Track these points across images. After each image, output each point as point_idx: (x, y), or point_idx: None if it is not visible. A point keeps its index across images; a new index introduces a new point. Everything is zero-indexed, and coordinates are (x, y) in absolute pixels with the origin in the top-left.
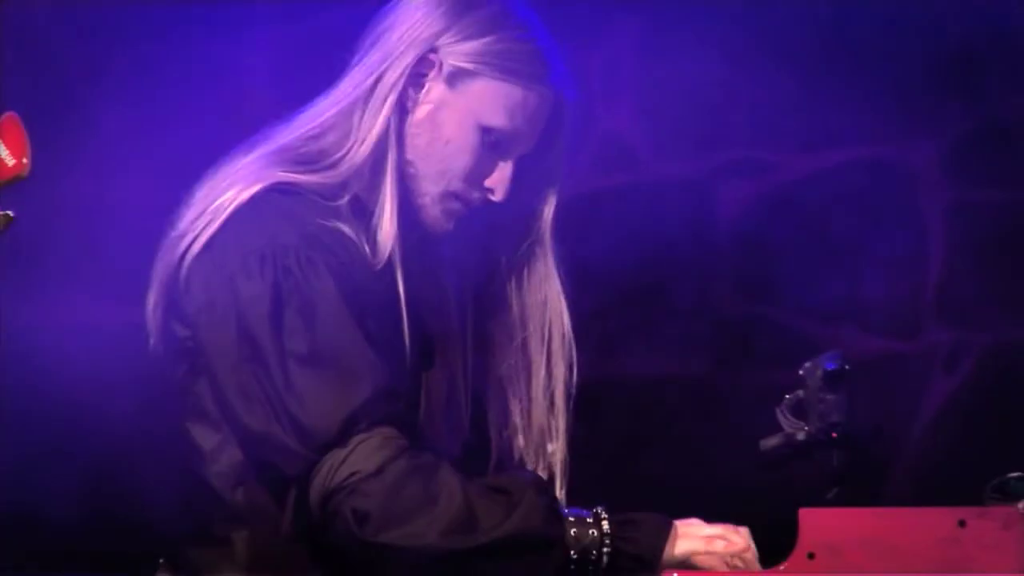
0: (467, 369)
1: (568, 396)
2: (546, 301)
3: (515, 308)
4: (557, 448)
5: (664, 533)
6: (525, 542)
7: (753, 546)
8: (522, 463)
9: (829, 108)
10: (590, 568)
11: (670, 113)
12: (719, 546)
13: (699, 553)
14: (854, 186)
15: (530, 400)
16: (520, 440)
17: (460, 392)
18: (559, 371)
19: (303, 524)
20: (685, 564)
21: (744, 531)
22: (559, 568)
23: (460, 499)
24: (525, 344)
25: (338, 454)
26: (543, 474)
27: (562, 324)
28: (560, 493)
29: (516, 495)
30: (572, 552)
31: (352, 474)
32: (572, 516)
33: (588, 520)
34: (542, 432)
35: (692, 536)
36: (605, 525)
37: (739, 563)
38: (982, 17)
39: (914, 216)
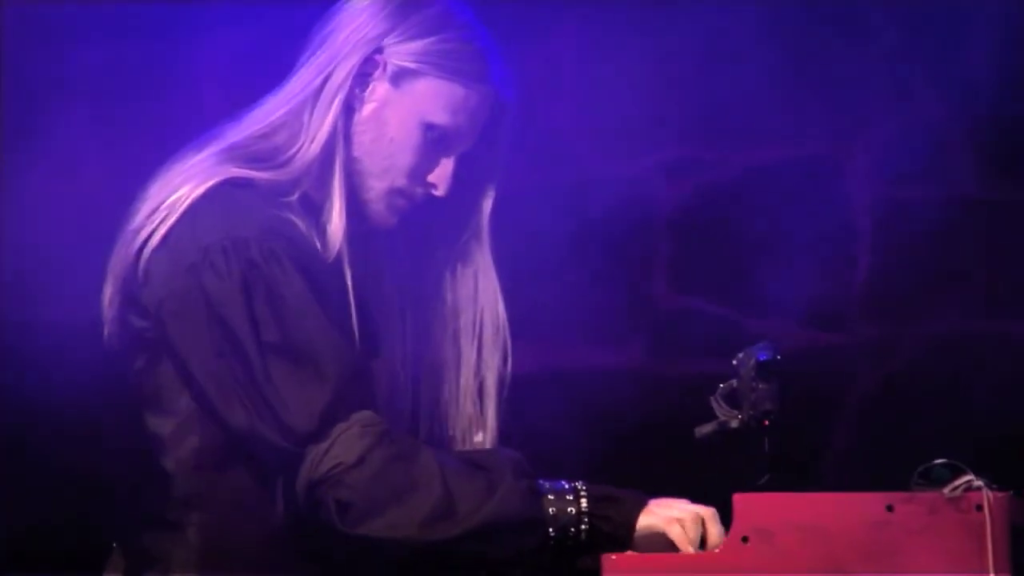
0: (406, 359)
1: (501, 385)
2: (478, 292)
3: (448, 299)
4: (486, 437)
5: (636, 512)
6: (504, 525)
7: (711, 531)
8: (450, 448)
9: (762, 108)
10: (569, 543)
11: (609, 112)
12: (675, 531)
13: (657, 530)
14: (786, 183)
15: (459, 388)
16: (448, 427)
17: (400, 382)
18: (491, 360)
19: (292, 513)
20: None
21: (708, 516)
22: (539, 545)
23: (439, 485)
24: (456, 334)
25: (320, 446)
26: None
27: (496, 314)
28: None
29: (495, 475)
30: (551, 530)
31: (335, 466)
32: (552, 493)
33: (568, 497)
34: (470, 420)
35: (656, 515)
36: (583, 502)
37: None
38: (910, 17)
39: (844, 213)
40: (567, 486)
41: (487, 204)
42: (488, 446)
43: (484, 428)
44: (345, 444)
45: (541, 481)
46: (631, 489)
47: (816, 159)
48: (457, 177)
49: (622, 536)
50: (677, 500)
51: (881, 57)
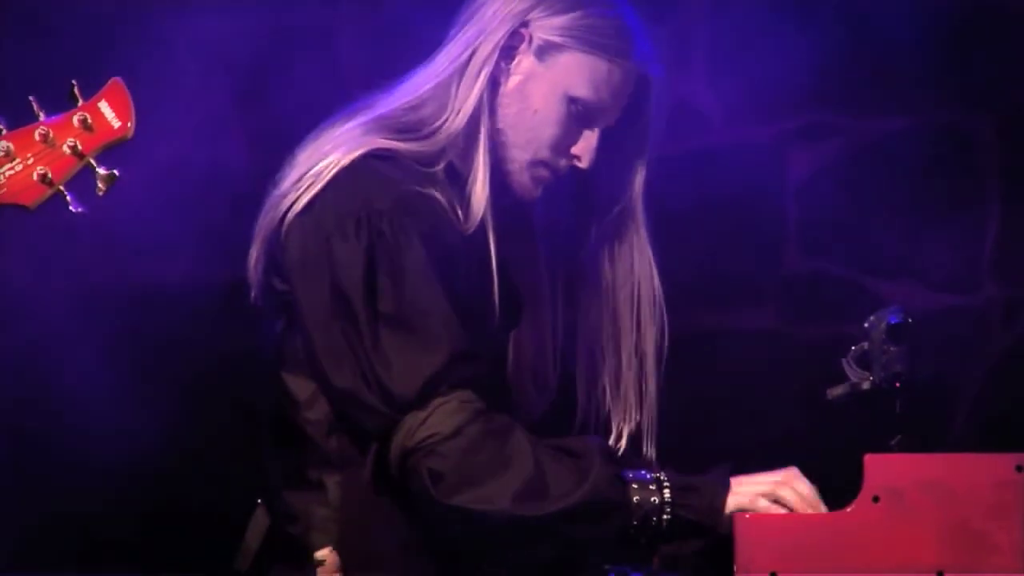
0: (556, 330)
1: (659, 359)
2: (634, 267)
3: (607, 273)
4: (646, 408)
5: (721, 497)
6: (592, 509)
7: (803, 491)
8: (608, 423)
9: (891, 76)
10: (651, 531)
11: (739, 79)
12: (761, 504)
13: (744, 508)
14: (915, 149)
15: (619, 363)
16: (608, 402)
17: (548, 352)
18: (649, 335)
19: (382, 477)
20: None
21: (795, 480)
22: (621, 532)
23: (532, 465)
24: (616, 309)
25: (417, 415)
26: (629, 432)
27: (652, 289)
28: (650, 450)
29: (585, 461)
30: (634, 519)
31: (430, 436)
32: (636, 482)
33: (651, 487)
34: (631, 394)
35: (742, 494)
36: (667, 492)
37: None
38: None
39: (973, 177)
40: (649, 476)
41: (638, 180)
42: (648, 418)
43: (645, 405)
44: (442, 416)
45: (625, 471)
46: (713, 471)
47: (945, 125)
48: (604, 151)
49: (709, 524)
50: (756, 480)
51: (1013, 24)
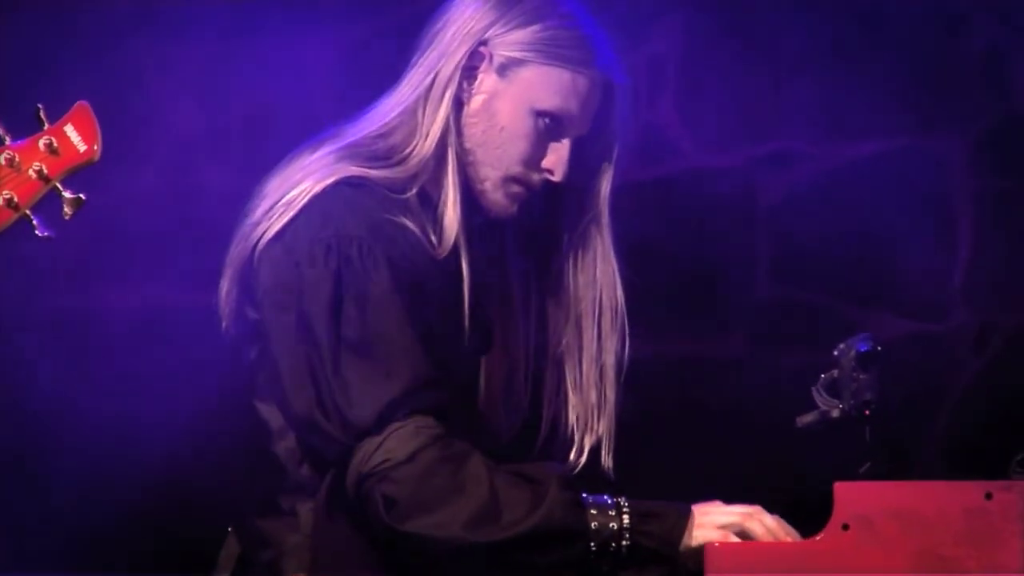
0: (529, 349)
1: (619, 369)
2: (597, 275)
3: (570, 285)
4: (606, 417)
5: (681, 526)
6: (547, 535)
7: (769, 525)
8: (572, 433)
9: (862, 101)
10: (610, 557)
11: (710, 106)
12: (732, 538)
13: (709, 540)
14: (886, 175)
15: (582, 373)
16: (571, 412)
17: (520, 371)
18: (610, 344)
19: (338, 506)
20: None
21: (760, 514)
22: (580, 558)
23: (486, 491)
24: (579, 318)
25: (373, 440)
26: (591, 444)
27: (614, 299)
28: (608, 460)
29: (542, 487)
30: (592, 544)
31: (384, 461)
32: (595, 507)
33: (610, 512)
34: (592, 405)
35: (707, 526)
36: (626, 519)
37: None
38: (1007, 12)
39: (943, 204)
40: (609, 501)
41: (605, 187)
42: (608, 427)
43: (604, 415)
44: (397, 441)
45: (584, 495)
46: (675, 502)
47: (916, 150)
48: (575, 162)
49: (667, 552)
50: (719, 511)
51: (979, 52)
